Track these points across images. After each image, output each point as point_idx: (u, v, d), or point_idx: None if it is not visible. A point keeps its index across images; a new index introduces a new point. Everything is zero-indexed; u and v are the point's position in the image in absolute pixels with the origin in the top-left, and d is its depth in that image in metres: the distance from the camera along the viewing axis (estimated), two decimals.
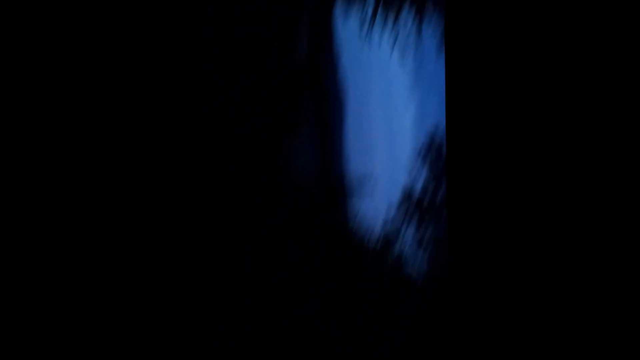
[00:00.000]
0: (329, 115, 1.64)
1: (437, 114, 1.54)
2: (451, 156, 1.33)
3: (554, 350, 1.19)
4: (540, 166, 1.21)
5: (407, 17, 1.54)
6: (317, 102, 1.63)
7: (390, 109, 1.62)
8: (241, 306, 1.50)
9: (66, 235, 1.39)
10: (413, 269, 1.55)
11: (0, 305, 1.34)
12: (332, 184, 1.61)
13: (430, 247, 1.54)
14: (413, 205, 1.56)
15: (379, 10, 1.54)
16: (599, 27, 1.14)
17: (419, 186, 1.56)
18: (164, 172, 1.47)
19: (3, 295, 1.34)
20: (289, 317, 1.50)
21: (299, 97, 1.59)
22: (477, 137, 1.27)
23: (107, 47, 1.40)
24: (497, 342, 1.24)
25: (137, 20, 1.42)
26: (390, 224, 1.58)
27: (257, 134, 1.55)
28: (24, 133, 1.35)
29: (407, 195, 1.57)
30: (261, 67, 1.55)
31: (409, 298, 1.51)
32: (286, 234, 1.54)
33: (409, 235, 1.57)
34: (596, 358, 1.16)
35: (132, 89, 1.43)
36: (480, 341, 1.26)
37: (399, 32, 1.55)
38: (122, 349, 1.41)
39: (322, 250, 1.54)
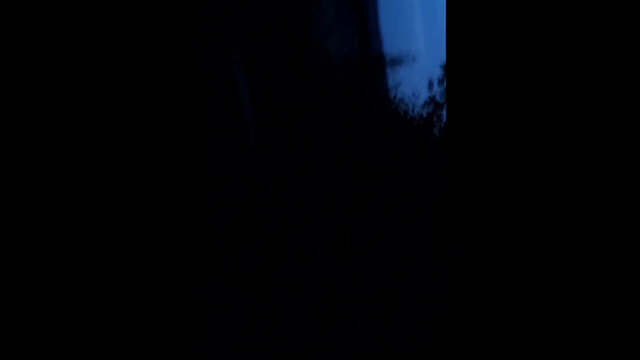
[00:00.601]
0: None
1: None
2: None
3: (555, 346, 1.19)
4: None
5: None
6: None
7: None
8: (241, 306, 1.50)
9: (66, 235, 1.38)
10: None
11: (0, 305, 1.34)
12: (369, 61, 1.51)
13: None
14: None
15: None
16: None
17: None
18: (164, 172, 1.47)
19: (3, 296, 1.34)
20: (289, 317, 1.50)
21: None
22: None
23: (107, 46, 1.40)
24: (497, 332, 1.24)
25: (137, 20, 1.42)
26: (431, 102, 1.48)
27: (281, 11, 1.46)
28: (23, 132, 1.35)
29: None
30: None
31: (410, 290, 1.49)
32: (286, 234, 1.54)
33: None
34: (596, 357, 1.16)
35: (132, 89, 1.43)
36: (481, 335, 1.26)
37: None
38: (122, 348, 1.41)
39: (358, 133, 1.42)
